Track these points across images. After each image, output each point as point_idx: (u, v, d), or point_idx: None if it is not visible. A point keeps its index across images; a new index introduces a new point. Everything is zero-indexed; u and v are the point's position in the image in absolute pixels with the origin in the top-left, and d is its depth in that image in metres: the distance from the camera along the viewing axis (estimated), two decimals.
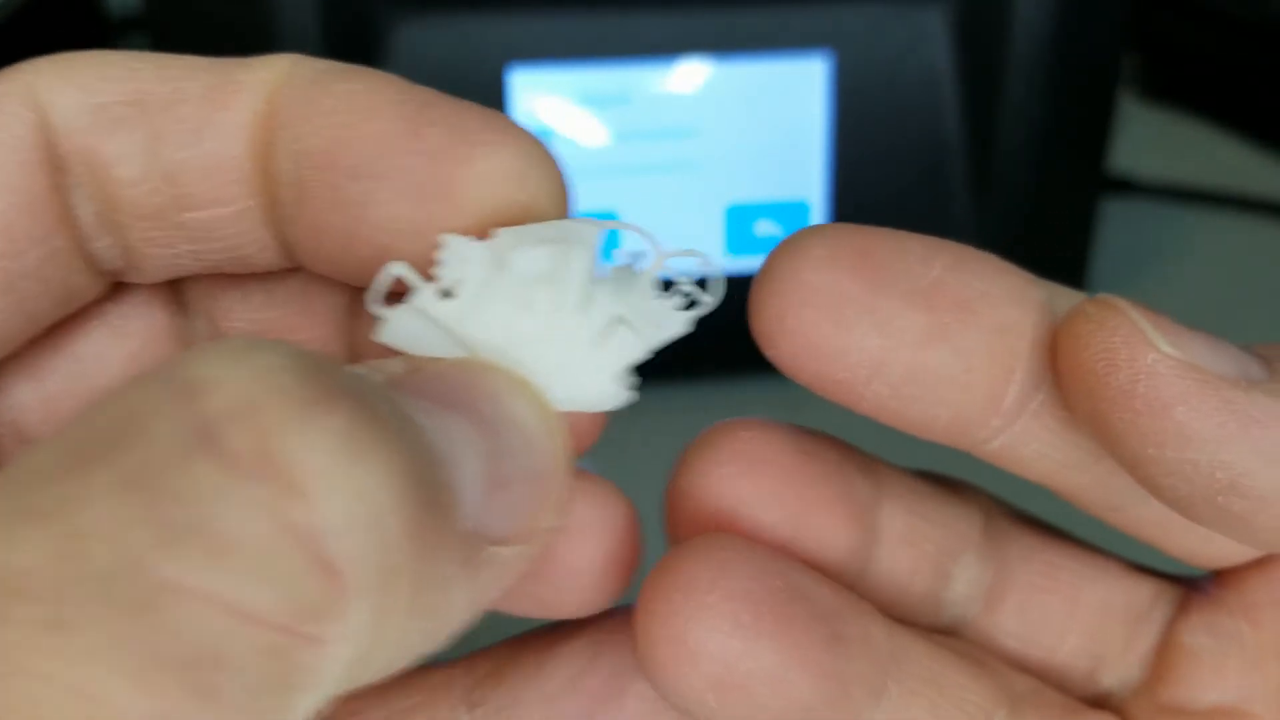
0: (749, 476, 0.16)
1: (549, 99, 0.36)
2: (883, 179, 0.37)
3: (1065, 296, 0.16)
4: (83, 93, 0.14)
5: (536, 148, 0.14)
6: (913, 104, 0.37)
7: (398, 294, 0.13)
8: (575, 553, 0.15)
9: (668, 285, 0.14)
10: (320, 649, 0.10)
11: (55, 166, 0.14)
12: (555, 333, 0.13)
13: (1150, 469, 0.14)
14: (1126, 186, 0.50)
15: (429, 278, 0.13)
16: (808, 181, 0.37)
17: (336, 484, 0.10)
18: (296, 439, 0.10)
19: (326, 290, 0.16)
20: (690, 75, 0.36)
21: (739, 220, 0.37)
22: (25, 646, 0.09)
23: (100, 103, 0.14)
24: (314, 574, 0.10)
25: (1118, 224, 0.48)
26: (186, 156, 0.14)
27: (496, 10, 0.35)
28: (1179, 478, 0.14)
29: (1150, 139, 0.56)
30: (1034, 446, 0.16)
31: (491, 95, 0.35)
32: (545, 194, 0.14)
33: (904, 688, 0.16)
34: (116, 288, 0.15)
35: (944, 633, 0.18)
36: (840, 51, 0.36)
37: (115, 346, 0.16)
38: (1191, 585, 0.19)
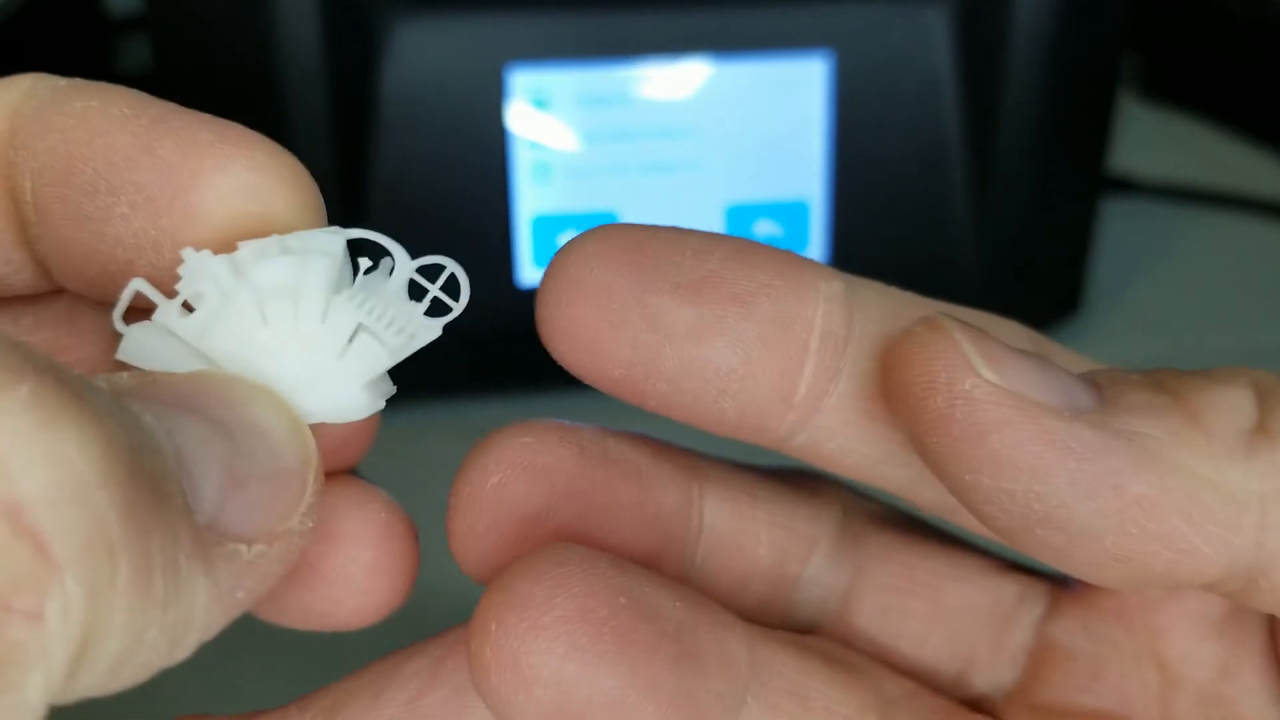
0: (521, 484, 0.15)
1: (549, 99, 0.36)
2: (883, 179, 0.37)
3: (873, 291, 0.16)
4: None
5: (275, 159, 0.14)
6: (913, 104, 0.37)
7: (148, 310, 0.13)
8: (342, 561, 0.15)
9: (419, 293, 0.14)
10: (35, 624, 0.09)
11: None
12: (297, 344, 0.13)
13: (969, 495, 0.14)
14: (1126, 186, 0.50)
15: (173, 294, 0.13)
16: (808, 181, 0.37)
17: (33, 453, 0.10)
18: None
19: (94, 311, 0.16)
20: (690, 75, 0.36)
21: (739, 220, 0.37)
22: None
23: None
24: (18, 545, 0.09)
25: (1118, 223, 0.48)
26: None
27: (496, 10, 0.35)
28: (997, 506, 0.14)
29: (1150, 139, 0.56)
30: (840, 442, 0.16)
31: (491, 95, 0.35)
32: (285, 205, 0.14)
33: (764, 702, 0.15)
34: None
35: (804, 632, 0.18)
36: (840, 51, 0.36)
37: None
38: (1062, 583, 0.18)
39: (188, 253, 0.13)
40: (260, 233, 0.14)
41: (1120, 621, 0.17)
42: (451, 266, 0.14)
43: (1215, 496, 0.13)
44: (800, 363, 0.15)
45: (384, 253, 0.14)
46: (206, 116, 0.14)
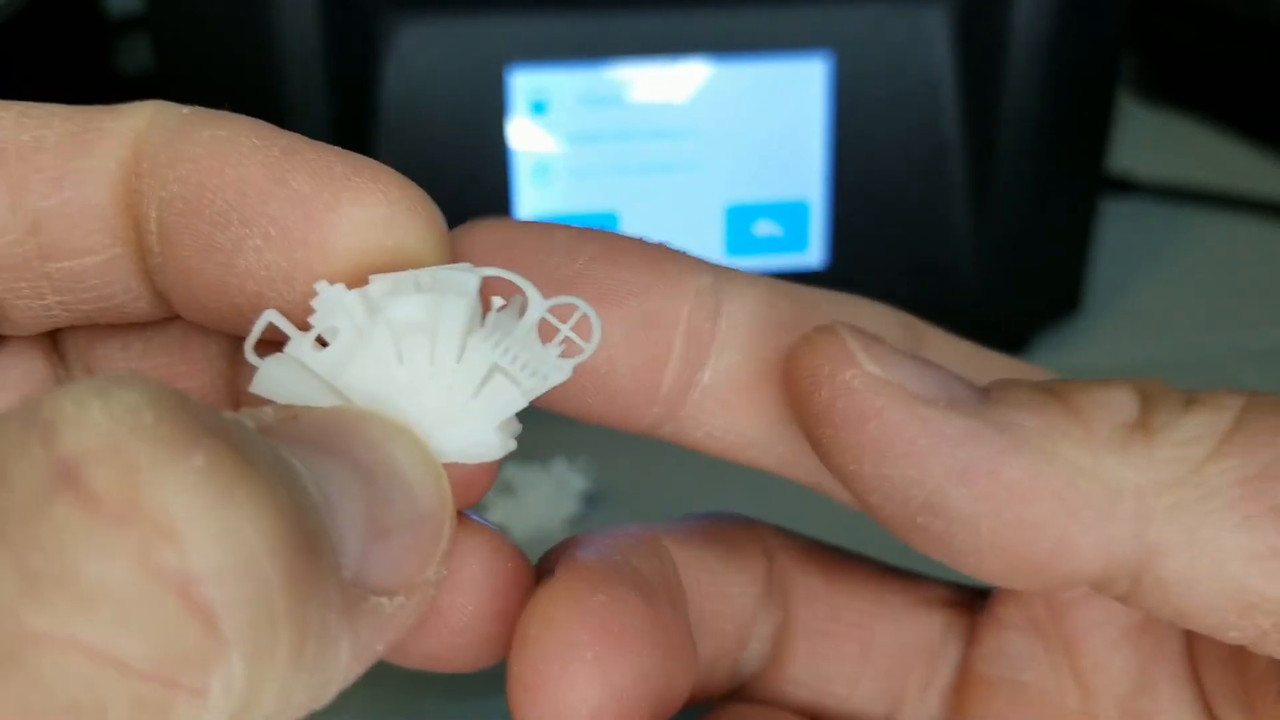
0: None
1: (549, 99, 0.36)
2: (882, 179, 0.37)
3: (741, 281, 0.16)
4: None
5: (408, 193, 0.14)
6: (912, 105, 0.37)
7: (277, 342, 0.13)
8: (463, 606, 0.14)
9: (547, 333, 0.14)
10: (200, 700, 0.09)
11: None
12: (432, 383, 0.13)
13: (856, 486, 0.14)
14: (1126, 186, 0.50)
15: (305, 326, 0.13)
16: (807, 182, 0.37)
17: (206, 526, 0.09)
18: (161, 479, 0.09)
19: (206, 339, 0.16)
20: (690, 76, 0.36)
21: (739, 220, 0.37)
22: None
23: None
24: (189, 621, 0.09)
25: (1117, 224, 0.48)
26: (49, 206, 0.14)
27: (496, 10, 0.35)
28: (880, 495, 0.14)
29: (1149, 139, 0.56)
30: (707, 429, 0.16)
31: (491, 95, 0.35)
32: (417, 240, 0.14)
33: None
34: None
35: (738, 692, 0.18)
36: (840, 52, 0.36)
37: None
38: (978, 610, 0.18)
39: (322, 286, 0.13)
40: (391, 267, 0.13)
41: (1036, 635, 0.17)
42: (583, 308, 0.14)
43: (1091, 485, 0.13)
44: (665, 359, 0.15)
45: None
46: (335, 149, 0.14)
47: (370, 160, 0.14)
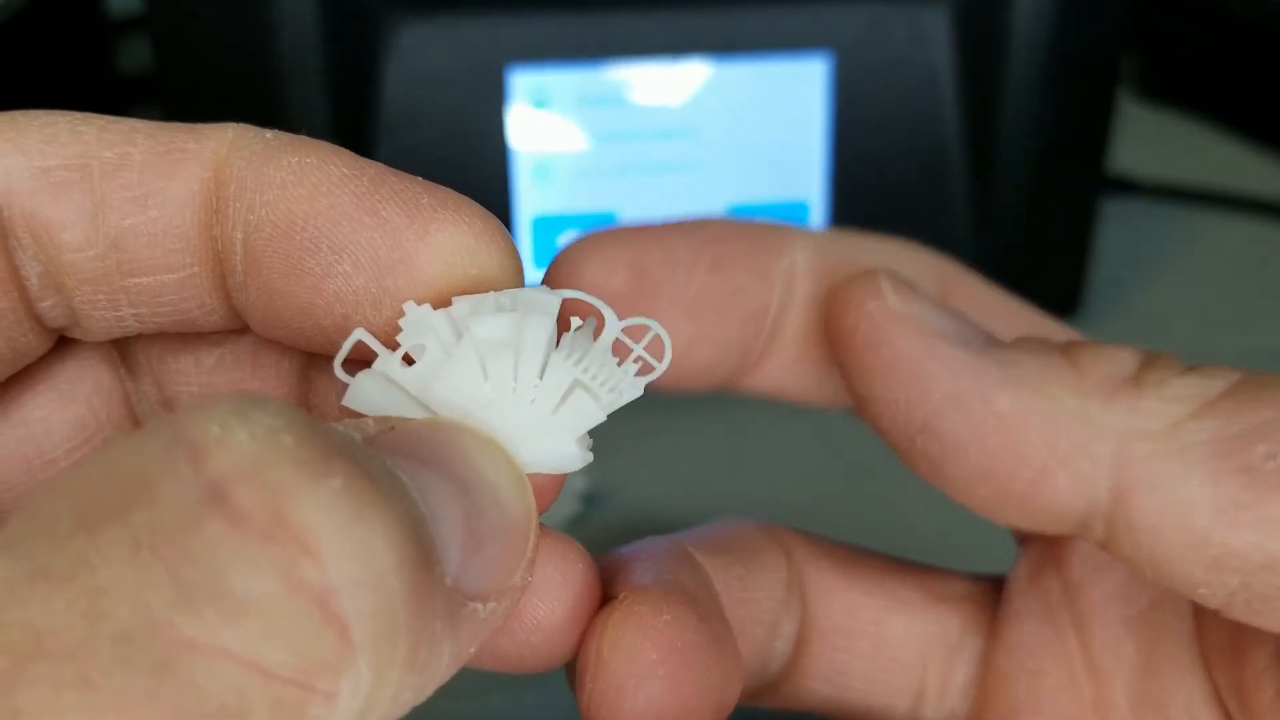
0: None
1: (549, 99, 0.36)
2: (882, 179, 0.37)
3: (804, 244, 0.18)
4: (26, 156, 0.14)
5: (489, 223, 0.14)
6: (913, 104, 0.37)
7: (362, 361, 0.14)
8: (544, 611, 0.15)
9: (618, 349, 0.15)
10: (330, 703, 0.10)
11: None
12: (515, 397, 0.14)
13: (870, 409, 0.16)
14: (1126, 186, 0.50)
15: (391, 345, 0.14)
16: (807, 182, 0.37)
17: (344, 543, 0.10)
18: (304, 500, 0.10)
19: (280, 354, 0.16)
20: (690, 76, 0.36)
21: None
22: (52, 706, 0.09)
23: (45, 167, 0.14)
24: (326, 631, 0.10)
25: (1117, 223, 0.48)
26: (132, 224, 0.14)
27: (496, 11, 0.35)
28: (888, 417, 0.16)
29: (1148, 139, 0.56)
30: (772, 380, 0.19)
31: (492, 95, 0.35)
32: (498, 265, 0.14)
33: None
34: (63, 345, 0.16)
35: (765, 691, 0.19)
36: (840, 52, 0.36)
37: (62, 410, 0.16)
38: (995, 603, 0.19)
39: (409, 307, 0.14)
40: (471, 290, 0.14)
41: (1050, 624, 0.18)
42: (655, 328, 0.15)
43: (1073, 424, 0.15)
44: (756, 342, 0.18)
45: None
46: (417, 180, 0.14)
47: (450, 191, 0.15)
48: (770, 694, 0.19)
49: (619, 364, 0.14)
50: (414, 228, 0.14)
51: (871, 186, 0.37)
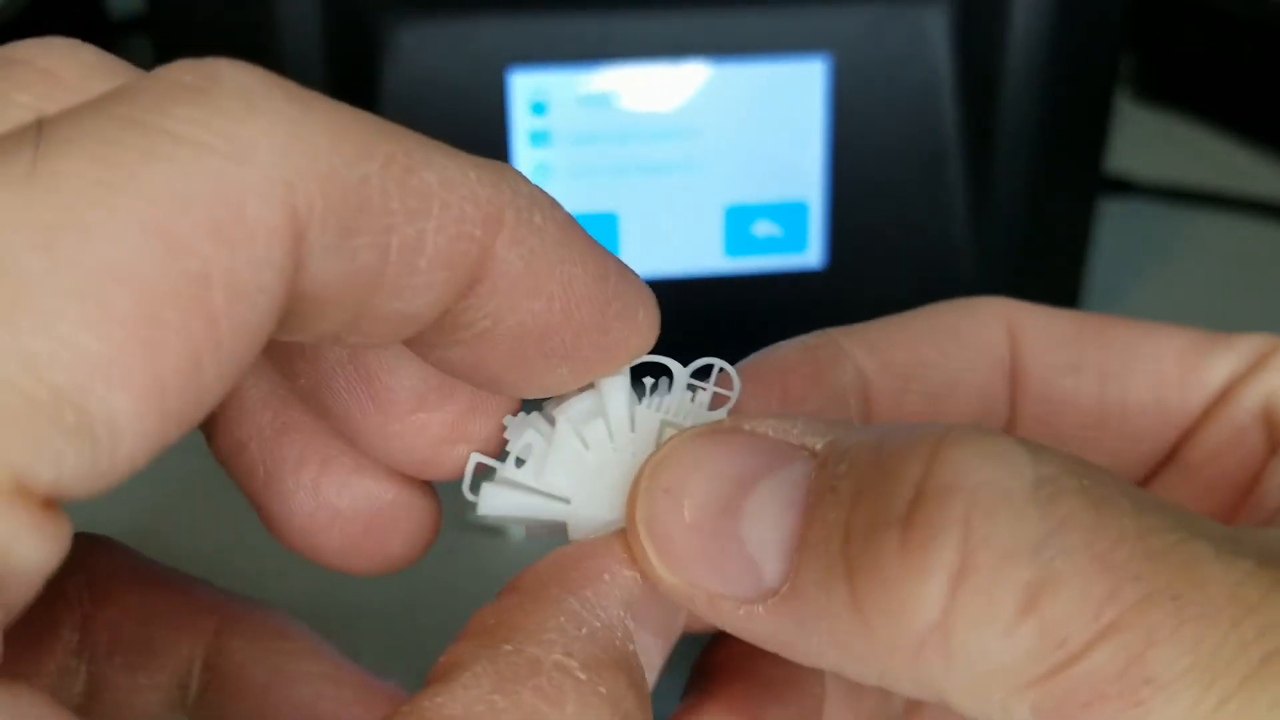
0: None
1: (548, 100, 0.36)
2: (881, 180, 0.37)
3: (887, 334, 0.19)
4: (337, 220, 0.12)
5: (658, 312, 0.16)
6: (911, 106, 0.37)
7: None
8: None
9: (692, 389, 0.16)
10: None
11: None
12: (617, 456, 0.16)
13: None
14: (1124, 187, 0.50)
15: (496, 453, 0.16)
16: (806, 182, 0.37)
17: None
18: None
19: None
20: (689, 77, 0.36)
21: (738, 221, 0.37)
22: None
23: (352, 245, 0.12)
24: None
25: (1115, 224, 0.48)
26: (389, 311, 0.13)
27: (496, 11, 0.35)
28: None
29: (1147, 139, 0.56)
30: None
31: (492, 96, 0.35)
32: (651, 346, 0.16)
33: None
34: None
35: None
36: (839, 53, 0.36)
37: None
38: None
39: (509, 419, 0.16)
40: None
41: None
42: (720, 364, 0.16)
43: (890, 679, 0.14)
44: None
45: None
46: (634, 281, 0.15)
47: (646, 287, 0.15)
48: None
49: (692, 400, 0.16)
50: (626, 345, 0.15)
51: (871, 187, 0.37)
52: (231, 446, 0.17)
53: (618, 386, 0.16)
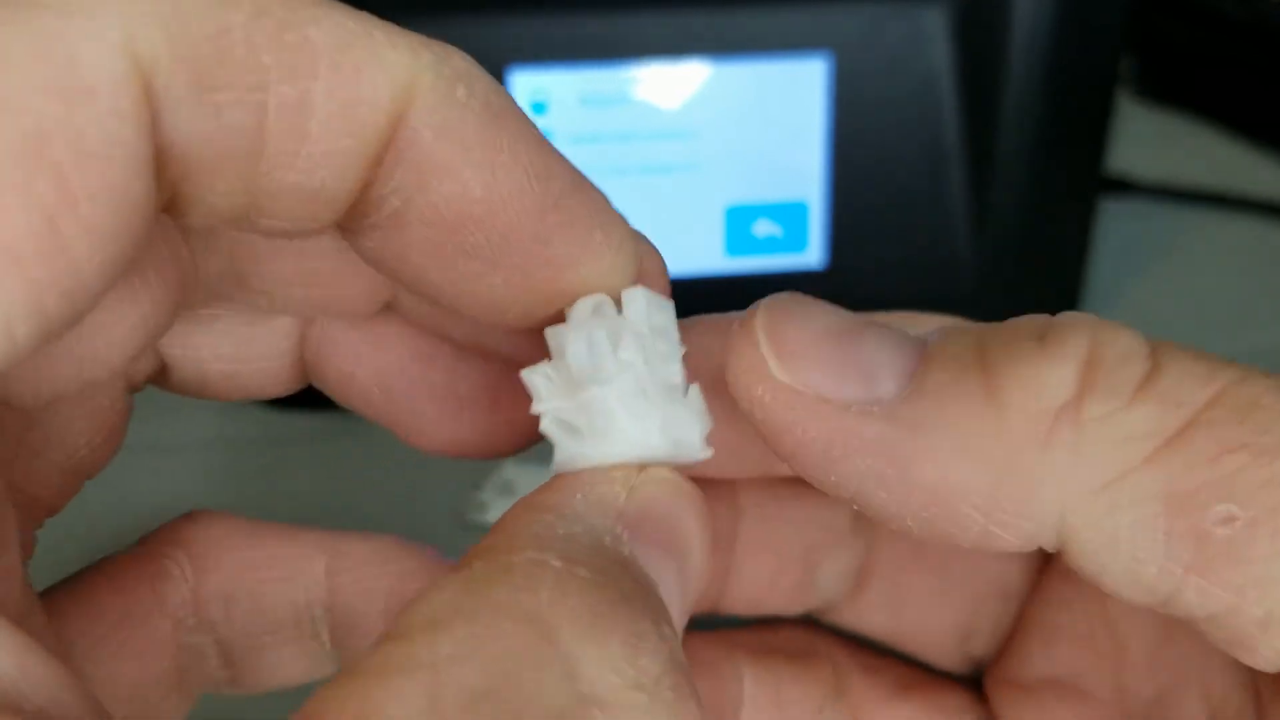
0: None
1: (549, 99, 0.36)
2: (881, 180, 0.37)
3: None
4: (195, 77, 0.12)
5: (640, 245, 0.15)
6: (911, 105, 0.37)
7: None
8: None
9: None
10: None
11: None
12: (653, 380, 0.14)
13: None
14: (1124, 186, 0.50)
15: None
16: (807, 182, 0.37)
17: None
18: None
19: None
20: (690, 76, 0.36)
21: (738, 221, 0.37)
22: None
23: (216, 102, 0.12)
24: None
25: (1115, 224, 0.48)
26: (294, 181, 0.12)
27: (496, 11, 0.35)
28: (820, 489, 0.14)
29: (1147, 139, 0.56)
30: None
31: None
32: (628, 281, 0.15)
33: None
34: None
35: (812, 615, 0.19)
36: (839, 53, 0.36)
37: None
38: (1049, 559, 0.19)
39: (548, 330, 0.14)
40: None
41: (1070, 580, 0.18)
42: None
43: (1006, 484, 0.13)
44: None
45: None
46: (598, 201, 0.14)
47: (619, 219, 0.14)
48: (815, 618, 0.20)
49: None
50: (577, 267, 0.14)
51: (870, 187, 0.37)
52: (339, 380, 0.17)
53: (584, 308, 0.14)
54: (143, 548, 0.17)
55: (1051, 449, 0.13)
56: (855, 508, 0.14)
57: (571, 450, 0.14)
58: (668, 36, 0.36)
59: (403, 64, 0.12)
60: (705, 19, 0.36)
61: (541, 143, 0.13)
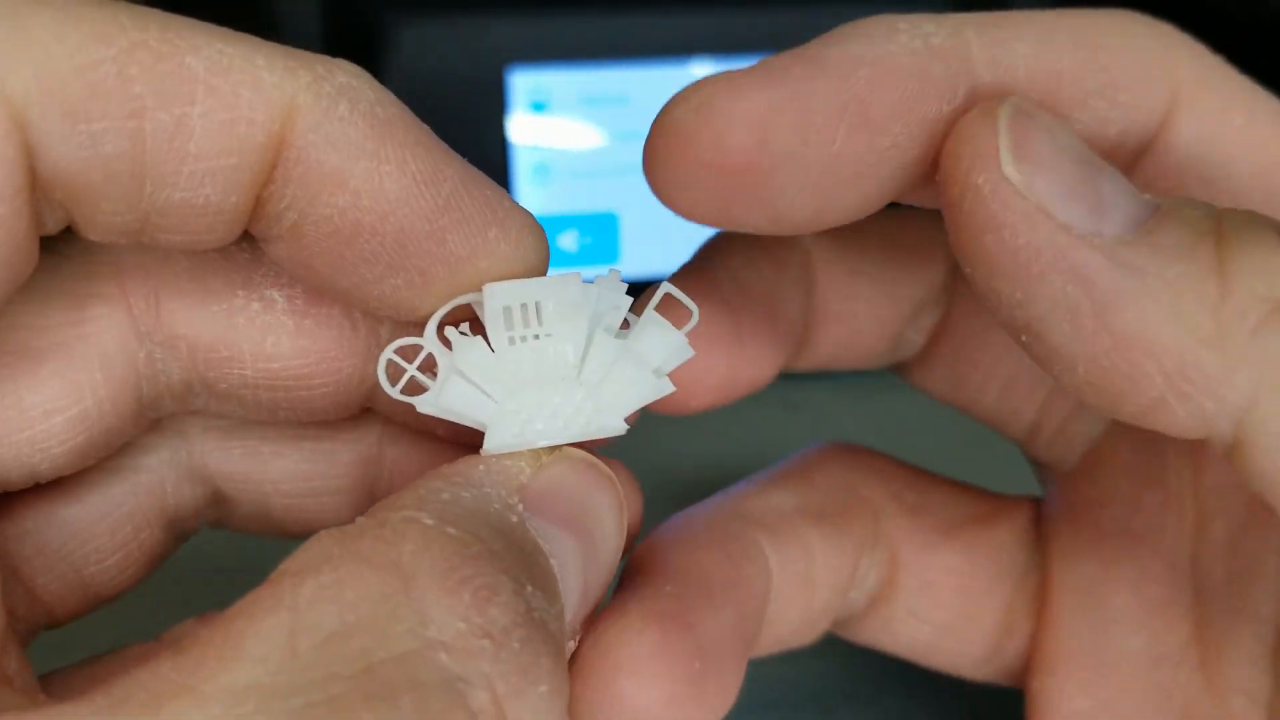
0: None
1: (549, 99, 0.36)
2: None
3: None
4: (66, 104, 0.12)
5: (537, 236, 0.15)
6: None
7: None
8: None
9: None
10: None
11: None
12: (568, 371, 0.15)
13: (973, 284, 0.14)
14: None
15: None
16: None
17: None
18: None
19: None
20: (690, 76, 0.36)
21: None
22: None
23: (91, 130, 0.12)
24: None
25: None
26: (181, 198, 0.13)
27: (496, 10, 0.35)
28: (989, 301, 0.14)
29: None
30: None
31: (491, 95, 0.35)
32: (531, 271, 0.15)
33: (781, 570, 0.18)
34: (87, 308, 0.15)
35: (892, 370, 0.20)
36: None
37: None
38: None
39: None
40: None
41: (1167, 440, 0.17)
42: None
43: (1203, 358, 0.13)
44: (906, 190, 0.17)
45: None
46: (491, 195, 0.14)
47: (516, 210, 0.15)
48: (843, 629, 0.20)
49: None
50: (474, 261, 0.14)
51: None
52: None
53: (493, 295, 0.14)
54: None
55: (1264, 335, 0.12)
56: (1023, 338, 0.13)
57: (497, 440, 0.14)
58: (668, 37, 0.36)
59: (280, 85, 0.13)
60: (705, 19, 0.36)
61: (430, 148, 0.14)
